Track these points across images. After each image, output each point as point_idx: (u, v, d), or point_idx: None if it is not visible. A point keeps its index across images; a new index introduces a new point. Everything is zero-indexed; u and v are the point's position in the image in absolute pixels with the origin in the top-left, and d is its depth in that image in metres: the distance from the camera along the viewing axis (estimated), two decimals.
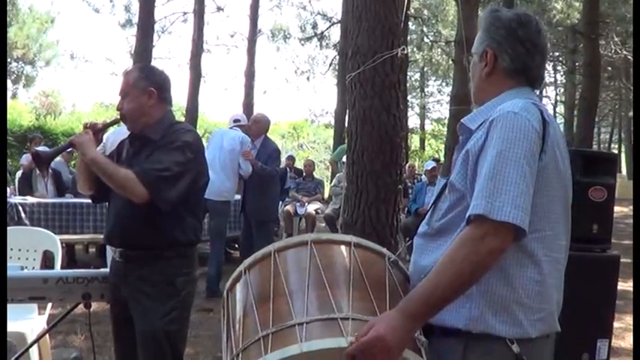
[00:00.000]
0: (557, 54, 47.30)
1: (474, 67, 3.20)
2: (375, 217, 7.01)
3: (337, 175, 17.70)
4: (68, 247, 12.46)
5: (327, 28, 38.16)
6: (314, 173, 19.41)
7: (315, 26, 39.22)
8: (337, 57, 34.73)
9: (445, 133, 46.01)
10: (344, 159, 17.32)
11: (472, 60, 3.21)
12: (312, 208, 17.40)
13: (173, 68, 46.70)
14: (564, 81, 49.21)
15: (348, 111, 7.38)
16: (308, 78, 43.64)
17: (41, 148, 5.29)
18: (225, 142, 11.04)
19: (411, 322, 2.63)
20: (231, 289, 3.10)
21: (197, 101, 29.22)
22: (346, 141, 15.74)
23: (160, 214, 4.49)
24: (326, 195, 20.47)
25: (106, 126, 4.80)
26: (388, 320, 2.60)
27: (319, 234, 3.13)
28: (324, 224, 17.36)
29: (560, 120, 56.62)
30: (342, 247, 2.99)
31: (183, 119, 27.63)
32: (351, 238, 3.04)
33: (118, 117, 4.78)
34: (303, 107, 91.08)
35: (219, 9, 34.00)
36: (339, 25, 33.98)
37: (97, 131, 4.67)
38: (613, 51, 34.03)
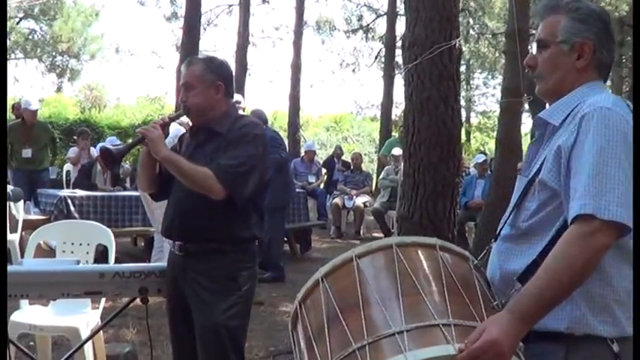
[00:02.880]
0: None
1: (559, 56, 2.99)
2: (433, 211, 6.93)
3: (386, 168, 17.64)
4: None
5: (373, 21, 37.92)
6: (362, 166, 19.32)
7: (360, 18, 38.92)
8: (383, 49, 34.52)
9: (490, 126, 46.17)
10: (393, 152, 17.28)
11: (553, 49, 3.01)
12: (360, 201, 17.47)
13: None
14: (611, 74, 48.62)
15: (404, 103, 7.26)
16: (354, 70, 43.29)
17: (108, 145, 5.04)
18: None
19: (522, 324, 2.55)
20: (305, 300, 2.94)
21: (243, 94, 29.08)
22: (393, 134, 15.40)
23: (225, 208, 4.43)
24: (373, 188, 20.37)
25: (172, 119, 4.72)
26: (500, 324, 2.51)
27: (403, 237, 2.97)
28: (371, 218, 17.33)
29: None
30: (429, 251, 2.86)
31: None
32: (436, 240, 2.91)
33: (181, 111, 4.67)
34: (349, 100, 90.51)
35: (264, 1, 33.89)
36: (385, 17, 33.80)
37: (163, 125, 4.55)
38: None
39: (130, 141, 4.86)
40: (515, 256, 2.92)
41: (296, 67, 30.49)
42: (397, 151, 16.99)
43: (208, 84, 4.59)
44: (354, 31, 38.88)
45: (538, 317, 2.60)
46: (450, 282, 2.71)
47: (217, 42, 56.77)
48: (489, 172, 15.72)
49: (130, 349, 6.75)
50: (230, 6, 32.68)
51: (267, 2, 34.13)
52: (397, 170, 16.66)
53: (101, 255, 6.69)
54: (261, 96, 71.12)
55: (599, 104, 2.73)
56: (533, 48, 3.17)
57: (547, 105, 3.10)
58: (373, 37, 38.77)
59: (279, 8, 48.59)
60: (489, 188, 13.98)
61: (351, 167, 19.30)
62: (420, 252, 2.86)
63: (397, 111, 35.31)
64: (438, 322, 2.52)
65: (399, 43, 31.93)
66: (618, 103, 2.77)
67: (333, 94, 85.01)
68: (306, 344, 2.83)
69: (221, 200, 4.38)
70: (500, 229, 3.10)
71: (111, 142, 16.06)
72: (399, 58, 32.80)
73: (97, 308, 6.25)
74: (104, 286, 4.68)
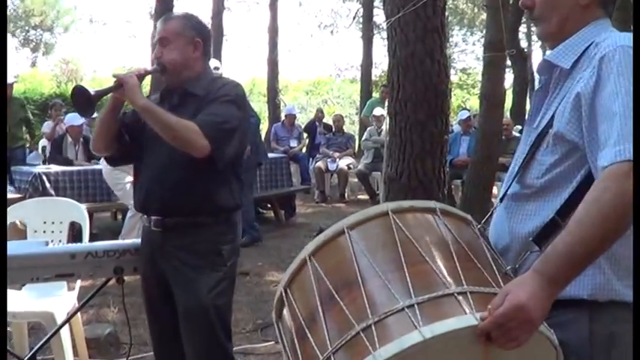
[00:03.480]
0: None
1: None
2: (422, 170, 6.65)
3: (368, 129, 17.40)
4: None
5: None
6: (343, 128, 19.06)
7: None
8: (361, 9, 34.27)
9: (471, 83, 46.05)
10: (375, 112, 17.04)
11: None
12: (343, 163, 17.23)
13: None
14: None
15: (388, 59, 6.96)
16: (332, 32, 43.06)
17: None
18: None
19: (552, 286, 2.24)
20: (291, 284, 2.58)
21: (220, 61, 28.84)
22: (373, 95, 15.13)
23: (205, 176, 4.13)
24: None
25: (148, 73, 4.30)
26: (526, 286, 2.20)
27: (399, 202, 2.60)
28: (356, 180, 17.21)
29: None
30: (428, 215, 2.55)
31: None
32: (435, 204, 2.60)
33: (157, 66, 4.28)
34: (328, 63, 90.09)
35: None
36: None
37: (139, 76, 4.14)
38: None
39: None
40: (527, 216, 2.63)
41: (273, 31, 30.17)
42: (378, 111, 16.86)
43: (186, 40, 4.27)
44: None
45: (570, 277, 2.30)
46: (457, 247, 2.41)
47: (192, 8, 56.19)
48: (473, 128, 15.52)
49: (110, 331, 6.47)
50: None
51: None
52: (379, 131, 16.53)
53: (78, 233, 6.40)
54: (239, 62, 70.40)
55: (619, 43, 2.43)
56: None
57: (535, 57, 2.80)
58: None
59: None
60: (475, 145, 13.82)
61: (333, 129, 18.99)
62: (419, 217, 2.55)
63: (377, 71, 35.27)
64: (452, 291, 2.20)
65: (376, 2, 31.79)
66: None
67: (311, 58, 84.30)
68: (297, 334, 2.47)
69: (201, 166, 4.06)
70: (507, 189, 2.78)
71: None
72: (377, 18, 32.69)
73: (74, 289, 5.93)
74: (76, 267, 4.38)
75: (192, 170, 4.09)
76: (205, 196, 4.21)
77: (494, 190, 14.27)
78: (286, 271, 2.61)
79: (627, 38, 2.45)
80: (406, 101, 6.61)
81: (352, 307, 2.27)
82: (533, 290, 2.18)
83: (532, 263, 2.39)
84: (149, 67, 4.41)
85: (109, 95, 4.18)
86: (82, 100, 4.05)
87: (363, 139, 17.44)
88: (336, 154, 17.38)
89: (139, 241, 4.52)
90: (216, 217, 4.27)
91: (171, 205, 4.21)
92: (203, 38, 4.35)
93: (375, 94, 27.14)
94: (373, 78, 32.60)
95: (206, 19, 28.64)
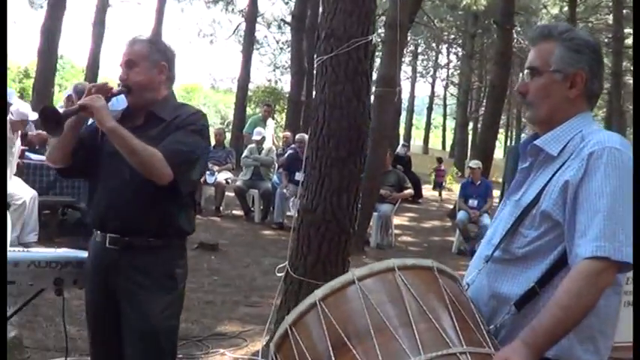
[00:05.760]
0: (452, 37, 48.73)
1: (552, 85, 3.05)
2: (337, 205, 6.84)
3: (249, 147, 17.44)
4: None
5: None
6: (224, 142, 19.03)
7: None
8: (243, 23, 34.24)
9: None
10: (256, 133, 17.13)
11: (546, 77, 3.06)
12: (222, 177, 17.20)
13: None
14: (460, 64, 50.27)
15: (315, 94, 7.14)
16: (211, 42, 43.04)
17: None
18: None
19: (536, 355, 2.65)
20: (296, 324, 2.73)
21: (98, 59, 28.58)
22: (247, 109, 14.97)
23: (167, 199, 4.20)
24: None
25: (114, 94, 4.29)
26: (519, 353, 2.60)
27: (403, 260, 2.81)
28: (232, 194, 17.31)
29: (452, 100, 57.90)
30: (428, 273, 2.80)
31: (83, 77, 26.92)
32: (432, 262, 2.85)
33: (124, 88, 4.31)
34: (203, 71, 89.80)
35: None
36: None
37: (106, 98, 4.17)
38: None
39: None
40: (506, 279, 3.02)
41: (157, 35, 29.92)
42: (259, 131, 17.17)
43: (152, 63, 4.34)
44: (215, 2, 38.43)
45: (548, 348, 2.71)
46: (454, 307, 2.69)
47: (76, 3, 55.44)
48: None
49: (15, 334, 6.34)
50: None
51: None
52: (260, 149, 16.68)
53: None
54: (118, 60, 69.43)
55: (607, 144, 2.83)
56: (523, 75, 3.17)
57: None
58: (233, 10, 38.51)
59: None
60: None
61: (213, 143, 18.87)
62: (421, 275, 2.79)
63: (252, 86, 35.39)
64: (455, 351, 2.48)
65: (259, 19, 31.92)
66: (624, 143, 2.86)
67: (189, 64, 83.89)
68: None
69: (163, 189, 4.11)
70: (490, 252, 3.11)
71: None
72: (258, 34, 32.77)
73: None
74: (18, 275, 4.31)
75: (155, 192, 4.13)
76: (165, 219, 4.26)
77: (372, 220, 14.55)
78: (293, 310, 2.77)
79: (614, 140, 2.85)
80: (329, 138, 6.76)
81: (365, 357, 2.47)
82: (523, 358, 2.56)
83: (509, 325, 2.88)
84: (114, 88, 4.40)
85: None
86: (51, 120, 4.05)
87: (243, 155, 17.55)
88: (215, 168, 17.33)
89: (82, 254, 4.52)
90: (172, 240, 4.35)
91: (131, 224, 4.22)
92: (168, 62, 4.42)
93: (250, 109, 27.20)
94: (249, 93, 32.69)
95: (90, 13, 28.46)
